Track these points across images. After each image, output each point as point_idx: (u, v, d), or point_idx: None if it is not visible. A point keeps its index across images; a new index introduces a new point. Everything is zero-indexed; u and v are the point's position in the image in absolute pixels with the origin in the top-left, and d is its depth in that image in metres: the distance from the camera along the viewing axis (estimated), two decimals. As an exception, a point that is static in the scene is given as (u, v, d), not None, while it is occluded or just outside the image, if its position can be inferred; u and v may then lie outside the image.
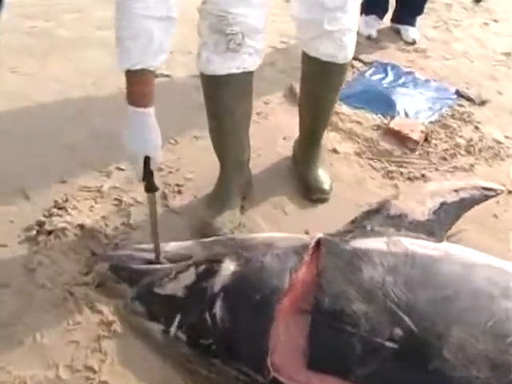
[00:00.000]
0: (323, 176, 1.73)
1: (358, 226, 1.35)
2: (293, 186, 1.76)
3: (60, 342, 1.23)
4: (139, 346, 1.24)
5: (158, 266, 1.34)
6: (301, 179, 1.75)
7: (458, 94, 2.35)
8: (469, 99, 2.33)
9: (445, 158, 1.97)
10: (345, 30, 1.51)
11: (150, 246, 1.41)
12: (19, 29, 2.53)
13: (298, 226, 1.61)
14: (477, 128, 2.16)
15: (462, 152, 2.01)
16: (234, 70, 1.44)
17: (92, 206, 1.59)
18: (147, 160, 1.27)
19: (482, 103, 2.32)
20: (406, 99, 2.27)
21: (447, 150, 2.01)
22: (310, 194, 1.70)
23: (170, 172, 1.75)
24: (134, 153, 1.25)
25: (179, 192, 1.70)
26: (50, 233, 1.47)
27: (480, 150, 2.04)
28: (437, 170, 1.92)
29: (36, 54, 2.35)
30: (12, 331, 1.24)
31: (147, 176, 1.30)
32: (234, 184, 1.61)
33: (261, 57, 1.48)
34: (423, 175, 1.88)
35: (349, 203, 1.72)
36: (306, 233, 1.57)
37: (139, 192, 1.67)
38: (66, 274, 1.39)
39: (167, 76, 2.27)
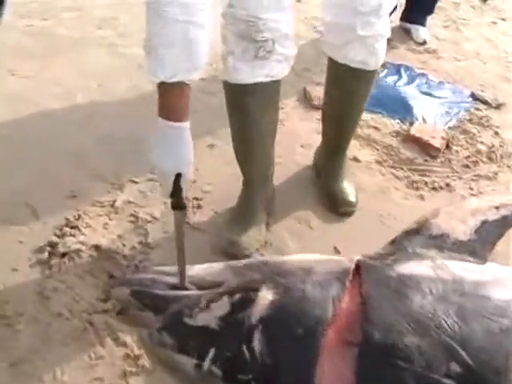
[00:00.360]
0: (349, 188, 1.64)
1: (399, 247, 1.26)
2: (316, 198, 1.67)
3: (82, 379, 1.13)
4: (169, 381, 1.14)
5: (186, 293, 1.23)
6: (325, 191, 1.66)
7: (474, 97, 2.27)
8: (485, 102, 2.25)
9: (467, 166, 1.90)
10: (378, 36, 1.41)
11: (173, 268, 1.31)
12: (15, 27, 2.38)
13: (325, 241, 1.52)
14: (496, 133, 2.08)
15: (484, 159, 1.94)
16: (261, 79, 1.33)
17: (106, 224, 1.48)
18: (178, 176, 1.17)
19: (499, 106, 2.24)
20: (422, 103, 2.18)
21: (469, 157, 1.94)
22: (337, 207, 1.61)
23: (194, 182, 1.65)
24: (165, 170, 1.13)
25: (198, 207, 1.59)
26: (63, 255, 1.35)
27: (501, 157, 1.96)
28: (460, 178, 1.84)
29: (35, 55, 2.21)
30: (30, 368, 1.13)
31: (176, 193, 1.19)
32: (258, 199, 1.51)
33: (289, 64, 1.37)
34: (447, 184, 1.80)
35: (374, 215, 1.64)
36: (336, 250, 1.48)
37: (155, 207, 1.57)
38: (84, 300, 1.27)
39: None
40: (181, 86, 1.08)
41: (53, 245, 1.37)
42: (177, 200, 1.20)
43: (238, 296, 1.15)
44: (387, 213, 1.64)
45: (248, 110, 1.39)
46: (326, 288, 1.14)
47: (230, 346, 1.11)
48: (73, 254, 1.35)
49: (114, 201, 1.56)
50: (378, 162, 1.88)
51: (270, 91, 1.39)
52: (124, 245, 1.43)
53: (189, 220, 1.54)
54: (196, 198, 1.62)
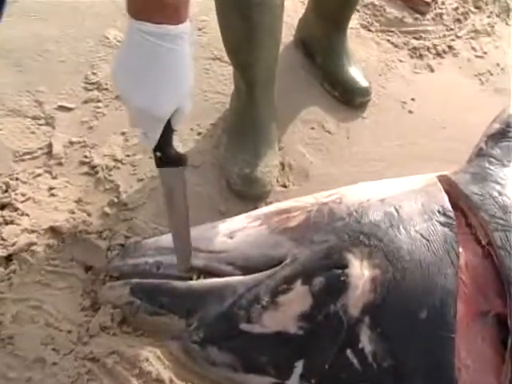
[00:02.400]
0: (358, 71, 1.19)
1: (491, 160, 0.89)
2: (318, 88, 1.21)
3: None
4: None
5: (226, 281, 0.78)
6: (328, 77, 1.18)
7: None
8: None
9: (459, 20, 1.50)
10: None
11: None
12: None
13: (352, 147, 1.11)
14: (470, -27, 1.70)
15: (472, 9, 1.55)
16: None
17: (52, 188, 0.90)
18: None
19: None
20: None
21: (457, 8, 1.53)
22: (350, 98, 1.17)
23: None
24: (156, 107, 0.63)
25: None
26: (8, 260, 0.80)
27: (486, 4, 1.61)
28: (458, 36, 1.46)
29: None
30: None
31: (168, 141, 0.70)
32: (266, 108, 1.01)
33: None
34: (450, 47, 1.42)
35: (393, 101, 1.23)
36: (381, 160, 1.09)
37: (111, 142, 1.01)
38: (66, 321, 0.77)
39: None
40: None
41: (-18, 246, 0.81)
42: (169, 151, 0.71)
43: (319, 279, 0.74)
44: (405, 96, 1.25)
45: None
46: (435, 241, 0.77)
47: (325, 354, 0.72)
48: (22, 254, 0.80)
49: (50, 145, 0.97)
50: (365, 27, 1.41)
51: None
52: (90, 214, 0.90)
53: (168, 154, 1.03)
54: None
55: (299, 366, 0.73)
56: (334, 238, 0.77)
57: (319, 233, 0.79)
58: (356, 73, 1.19)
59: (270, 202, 0.97)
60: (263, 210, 0.91)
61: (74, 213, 0.88)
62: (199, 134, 1.07)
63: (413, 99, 1.23)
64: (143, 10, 0.58)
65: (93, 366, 0.74)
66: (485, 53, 1.43)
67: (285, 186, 1.02)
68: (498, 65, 1.39)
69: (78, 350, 0.75)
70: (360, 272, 0.74)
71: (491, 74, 1.37)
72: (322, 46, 1.20)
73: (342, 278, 0.73)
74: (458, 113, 1.25)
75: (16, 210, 0.84)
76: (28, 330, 0.75)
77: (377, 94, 1.23)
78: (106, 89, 1.07)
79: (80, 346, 0.76)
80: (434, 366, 0.72)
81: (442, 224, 0.79)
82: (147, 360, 0.76)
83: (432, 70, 1.35)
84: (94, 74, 1.08)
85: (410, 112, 1.21)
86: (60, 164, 0.94)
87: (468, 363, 0.73)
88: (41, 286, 0.80)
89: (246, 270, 0.80)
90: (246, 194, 0.96)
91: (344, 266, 0.74)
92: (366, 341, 0.72)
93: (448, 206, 0.81)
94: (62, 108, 1.02)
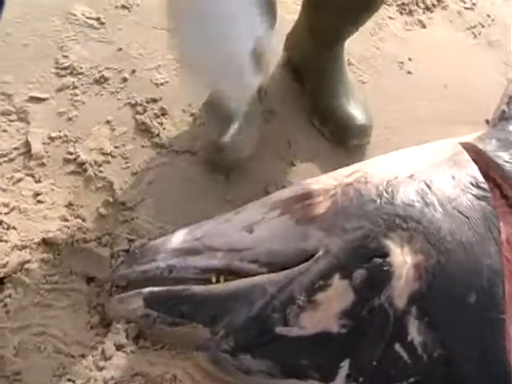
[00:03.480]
0: (358, 105, 0.99)
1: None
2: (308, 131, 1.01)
3: None
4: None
5: (252, 282, 0.70)
6: (321, 113, 0.99)
7: None
8: None
9: (441, -32, 1.45)
10: None
11: (194, 231, 0.76)
12: None
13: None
14: None
15: (453, -44, 1.50)
16: None
17: (37, 194, 0.78)
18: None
19: None
20: None
21: (438, -44, 1.48)
22: (345, 139, 0.97)
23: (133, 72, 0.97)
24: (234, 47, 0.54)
25: (163, 113, 0.95)
26: (1, 283, 0.68)
27: (466, -50, 1.54)
28: (443, -13, 1.41)
29: None
30: None
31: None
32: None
33: None
34: (439, 0, 1.36)
35: (390, 62, 1.14)
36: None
37: (99, 133, 0.90)
38: (76, 345, 0.69)
39: None
40: None
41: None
42: None
43: (359, 272, 0.66)
44: (402, 56, 1.17)
45: None
46: (473, 218, 0.71)
47: (372, 351, 0.66)
48: (16, 275, 0.69)
49: (27, 144, 0.83)
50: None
51: None
52: (84, 219, 0.79)
53: (161, 139, 0.92)
54: (152, 100, 0.96)
55: (345, 366, 0.67)
56: (368, 223, 0.70)
57: (351, 219, 0.71)
58: (357, 108, 0.98)
59: (282, 185, 0.89)
60: (278, 195, 0.82)
61: (66, 220, 0.77)
62: (192, 115, 0.96)
63: (410, 59, 1.16)
64: None
65: (120, 386, 0.65)
66: (474, 4, 1.36)
67: (293, 165, 0.94)
68: (488, 16, 1.32)
69: (97, 376, 0.66)
70: (402, 259, 0.67)
71: (483, 26, 1.30)
72: (315, 75, 0.99)
73: (385, 268, 0.66)
74: (456, 71, 1.18)
75: (0, 223, 0.73)
76: (35, 361, 0.65)
77: (373, 55, 1.14)
78: (81, 73, 0.94)
79: (97, 371, 0.66)
80: (484, 351, 0.68)
81: (477, 198, 0.72)
82: (175, 378, 0.68)
83: (424, 26, 1.27)
84: (65, 56, 0.94)
85: (409, 73, 1.14)
86: (42, 164, 0.82)
87: (519, 343, 0.70)
88: (41, 308, 0.70)
89: (273, 266, 0.71)
90: (216, 162, 0.87)
91: (384, 254, 0.67)
92: (414, 332, 0.66)
93: (480, 177, 0.74)
94: (33, 99, 0.88)
